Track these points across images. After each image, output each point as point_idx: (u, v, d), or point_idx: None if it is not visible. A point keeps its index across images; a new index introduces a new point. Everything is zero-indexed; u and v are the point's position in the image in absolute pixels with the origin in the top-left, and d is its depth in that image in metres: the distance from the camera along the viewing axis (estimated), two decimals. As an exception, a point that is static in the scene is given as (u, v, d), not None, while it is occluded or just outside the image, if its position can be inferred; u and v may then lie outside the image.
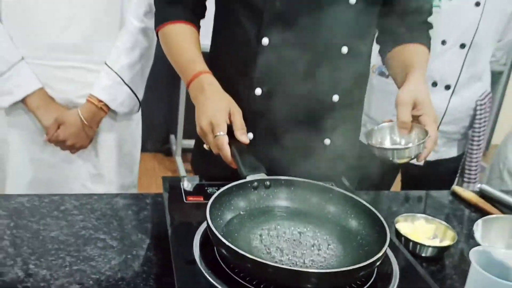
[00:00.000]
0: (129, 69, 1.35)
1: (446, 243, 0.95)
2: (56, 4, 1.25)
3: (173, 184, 0.96)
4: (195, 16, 1.11)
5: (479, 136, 1.56)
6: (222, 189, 0.83)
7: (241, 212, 0.85)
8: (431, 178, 1.50)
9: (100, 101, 1.32)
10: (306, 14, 1.00)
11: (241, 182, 0.86)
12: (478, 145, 1.57)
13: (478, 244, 0.93)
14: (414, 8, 1.10)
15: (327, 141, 1.10)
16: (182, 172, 3.02)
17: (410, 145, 0.93)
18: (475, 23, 1.43)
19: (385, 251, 0.73)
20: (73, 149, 1.34)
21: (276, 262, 0.73)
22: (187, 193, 0.94)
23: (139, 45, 1.35)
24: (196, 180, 1.02)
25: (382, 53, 1.15)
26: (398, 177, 1.75)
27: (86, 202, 1.00)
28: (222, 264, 0.73)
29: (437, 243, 0.96)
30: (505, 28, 1.52)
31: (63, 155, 1.37)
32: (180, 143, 3.18)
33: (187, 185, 0.96)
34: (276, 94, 1.06)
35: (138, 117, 1.50)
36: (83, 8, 1.27)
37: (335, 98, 1.07)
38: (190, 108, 3.07)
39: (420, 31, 1.12)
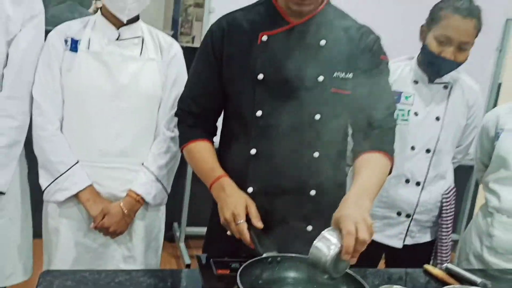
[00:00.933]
0: (162, 169, 1.67)
1: (416, 307, 1.23)
2: (107, 120, 1.60)
3: (205, 260, 1.25)
4: (210, 135, 1.46)
5: (447, 224, 1.86)
6: (246, 263, 1.12)
7: (260, 281, 1.13)
8: (410, 259, 1.76)
9: (138, 195, 1.62)
10: (284, 130, 1.32)
11: (259, 258, 1.16)
12: (447, 231, 1.87)
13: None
14: (368, 115, 1.32)
15: (309, 228, 1.39)
16: (186, 257, 3.24)
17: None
18: (436, 133, 1.79)
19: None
20: (114, 235, 1.62)
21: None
22: (217, 267, 1.22)
23: (170, 150, 1.68)
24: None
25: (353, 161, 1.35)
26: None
27: (135, 275, 1.27)
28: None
29: (410, 307, 1.23)
30: (461, 137, 1.89)
31: (102, 240, 1.65)
32: (183, 230, 3.42)
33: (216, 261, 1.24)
34: (265, 191, 1.36)
35: (163, 207, 1.80)
36: (128, 124, 1.62)
37: (312, 192, 1.37)
38: (193, 198, 3.34)
39: (380, 138, 1.31)
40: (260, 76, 1.32)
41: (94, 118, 1.59)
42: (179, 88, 1.66)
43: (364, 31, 1.36)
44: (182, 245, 3.41)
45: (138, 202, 1.63)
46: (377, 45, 1.37)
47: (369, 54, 1.34)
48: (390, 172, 1.32)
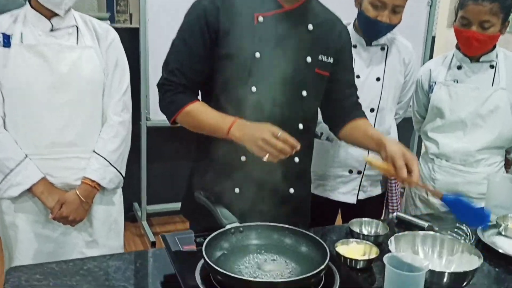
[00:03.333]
0: (113, 154, 1.67)
1: (372, 256, 1.32)
2: (52, 112, 1.57)
3: (170, 239, 1.28)
4: (196, 96, 1.47)
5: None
6: (210, 236, 1.17)
7: (225, 252, 1.19)
8: (364, 213, 1.87)
9: (93, 181, 1.63)
10: (275, 104, 1.39)
11: (222, 230, 1.21)
12: (395, 183, 1.99)
13: (393, 254, 1.30)
14: (347, 94, 1.57)
15: (291, 190, 1.51)
16: (150, 235, 3.26)
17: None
18: (378, 93, 1.88)
19: (327, 264, 1.08)
20: (74, 222, 1.62)
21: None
22: (182, 243, 1.26)
23: (119, 134, 1.69)
24: (191, 234, 1.32)
25: (333, 129, 1.60)
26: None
27: (103, 261, 1.29)
28: (218, 286, 1.06)
29: (366, 257, 1.32)
30: (400, 94, 1.99)
31: (62, 229, 1.65)
32: (144, 209, 3.44)
33: (181, 238, 1.28)
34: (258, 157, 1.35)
35: (120, 190, 1.81)
36: (74, 113, 1.60)
37: (296, 159, 1.48)
38: (150, 178, 3.36)
39: (357, 109, 1.58)
40: (257, 55, 1.37)
41: (38, 111, 1.56)
42: (121, 72, 1.66)
43: (342, 24, 1.54)
44: (144, 223, 3.43)
45: (94, 188, 1.63)
46: (349, 36, 1.56)
47: (347, 46, 1.56)
48: None
